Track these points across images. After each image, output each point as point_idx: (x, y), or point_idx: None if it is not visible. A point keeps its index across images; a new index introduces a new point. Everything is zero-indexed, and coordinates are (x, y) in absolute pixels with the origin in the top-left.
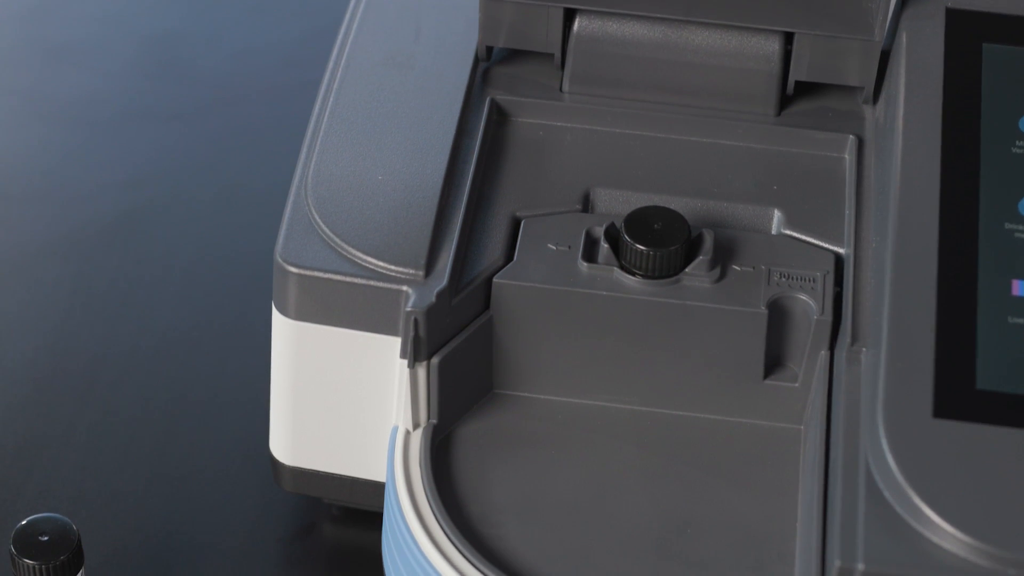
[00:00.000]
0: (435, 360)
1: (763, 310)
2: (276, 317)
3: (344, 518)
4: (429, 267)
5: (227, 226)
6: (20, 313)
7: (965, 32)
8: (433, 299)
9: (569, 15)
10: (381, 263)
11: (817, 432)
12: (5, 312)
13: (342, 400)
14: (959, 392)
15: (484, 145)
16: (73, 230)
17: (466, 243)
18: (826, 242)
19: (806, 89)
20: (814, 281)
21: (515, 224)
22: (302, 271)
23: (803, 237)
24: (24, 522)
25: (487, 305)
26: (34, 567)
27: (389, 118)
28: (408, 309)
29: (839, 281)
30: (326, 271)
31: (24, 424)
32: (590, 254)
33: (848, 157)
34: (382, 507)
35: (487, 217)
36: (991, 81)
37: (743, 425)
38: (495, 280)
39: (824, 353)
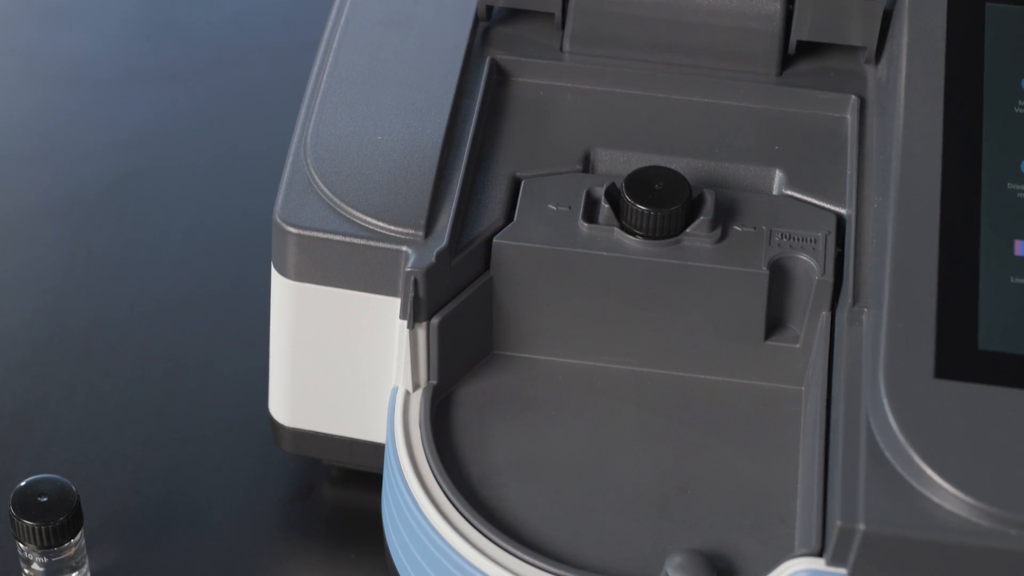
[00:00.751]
0: (435, 321)
1: (764, 271)
2: (275, 278)
3: (344, 479)
4: (429, 227)
5: (226, 187)
6: (19, 275)
7: None
8: (433, 259)
9: None
10: (380, 223)
11: (818, 393)
12: (4, 274)
13: (341, 361)
14: (961, 352)
15: (484, 105)
16: (72, 191)
17: (466, 203)
18: (827, 202)
19: (808, 49)
20: (815, 241)
21: (515, 184)
22: (301, 231)
23: (804, 197)
24: (24, 483)
25: (487, 266)
26: (33, 528)
27: (388, 78)
28: (408, 269)
29: (840, 242)
30: (325, 231)
31: (23, 385)
32: (590, 214)
33: (850, 117)
34: (382, 468)
35: (487, 177)
36: (994, 41)
37: (744, 386)
38: (495, 240)
39: (825, 314)
